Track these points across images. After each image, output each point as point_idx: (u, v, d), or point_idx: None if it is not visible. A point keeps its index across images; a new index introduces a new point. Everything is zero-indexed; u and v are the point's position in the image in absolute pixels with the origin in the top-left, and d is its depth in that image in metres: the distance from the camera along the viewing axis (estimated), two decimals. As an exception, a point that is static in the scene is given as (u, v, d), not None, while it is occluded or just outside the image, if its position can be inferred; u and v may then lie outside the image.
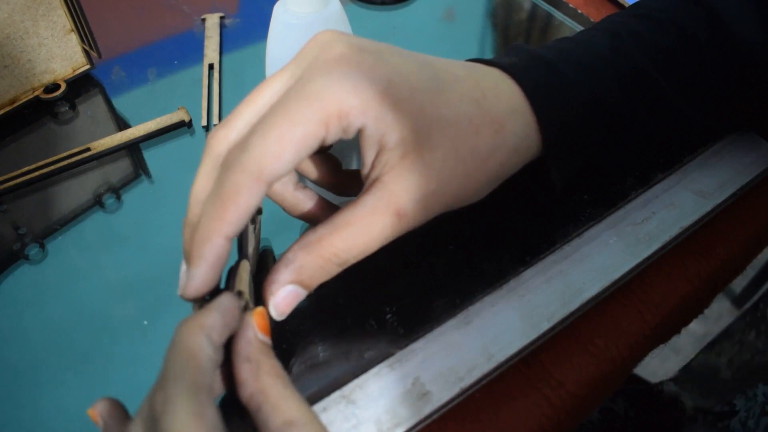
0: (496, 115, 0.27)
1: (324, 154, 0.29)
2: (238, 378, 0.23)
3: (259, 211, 0.31)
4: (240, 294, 0.25)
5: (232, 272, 0.26)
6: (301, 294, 0.26)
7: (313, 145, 0.24)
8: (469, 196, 0.27)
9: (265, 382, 0.22)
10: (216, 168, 0.25)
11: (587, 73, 0.30)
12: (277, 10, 0.32)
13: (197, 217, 0.25)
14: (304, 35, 0.31)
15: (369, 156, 0.25)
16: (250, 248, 0.28)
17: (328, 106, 0.23)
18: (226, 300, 0.23)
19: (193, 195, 0.26)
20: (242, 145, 0.24)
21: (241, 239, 0.28)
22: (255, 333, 0.24)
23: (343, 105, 0.23)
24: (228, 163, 0.24)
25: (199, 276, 0.24)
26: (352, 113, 0.24)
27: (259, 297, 0.26)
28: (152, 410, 0.20)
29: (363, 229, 0.25)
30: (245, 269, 0.27)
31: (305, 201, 0.29)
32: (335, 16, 0.32)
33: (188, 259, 0.24)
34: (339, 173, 0.30)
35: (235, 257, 0.27)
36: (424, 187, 0.25)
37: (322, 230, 0.25)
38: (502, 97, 0.27)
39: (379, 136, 0.24)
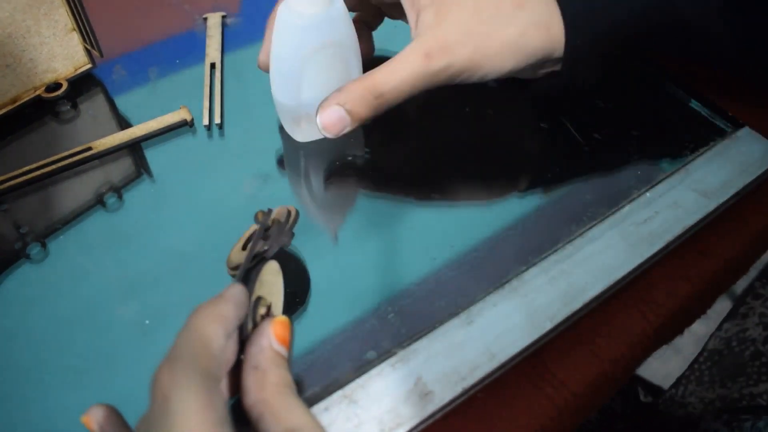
0: None
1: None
2: (243, 384, 0.22)
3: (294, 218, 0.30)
4: (259, 300, 0.25)
5: (253, 279, 0.25)
6: (345, 118, 0.31)
7: None
8: (490, 57, 0.31)
9: (269, 392, 0.22)
10: None
11: None
12: (281, 10, 0.31)
13: None
14: (309, 36, 0.31)
15: (411, 18, 0.33)
16: (275, 248, 0.28)
17: None
18: (240, 293, 0.23)
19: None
20: None
21: (267, 236, 0.27)
22: (270, 342, 0.23)
23: None
24: None
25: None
26: None
27: (287, 304, 0.26)
28: (158, 389, 0.19)
29: (397, 65, 0.31)
30: (270, 271, 0.26)
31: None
32: (339, 15, 0.31)
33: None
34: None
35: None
36: (449, 36, 0.31)
37: (369, 72, 0.31)
38: None
39: None
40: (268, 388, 0.22)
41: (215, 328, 0.21)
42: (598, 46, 0.33)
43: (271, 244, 0.27)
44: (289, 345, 0.24)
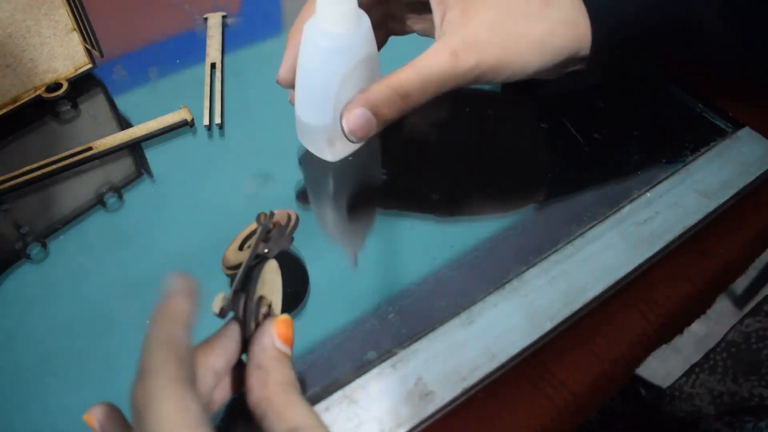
0: None
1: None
2: (246, 384, 0.23)
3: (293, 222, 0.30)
4: (261, 300, 0.25)
5: (255, 278, 0.25)
6: (371, 120, 0.29)
7: None
8: (518, 56, 0.31)
9: (272, 390, 0.22)
10: None
11: None
12: (309, 30, 0.30)
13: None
14: (341, 57, 0.30)
15: (437, 16, 0.31)
16: (275, 251, 0.27)
17: None
18: (182, 281, 0.23)
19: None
20: None
21: (268, 238, 0.27)
22: (272, 341, 0.23)
23: None
24: None
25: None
26: None
27: (288, 303, 0.26)
28: (135, 405, 0.20)
29: (424, 64, 0.30)
30: (271, 270, 0.26)
31: None
32: (367, 31, 0.30)
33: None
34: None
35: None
36: (476, 35, 0.30)
37: (393, 72, 0.30)
38: None
39: None
40: (272, 386, 0.22)
41: (174, 329, 0.21)
42: (618, 44, 0.33)
43: (272, 246, 0.27)
44: (292, 344, 0.24)
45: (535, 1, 0.31)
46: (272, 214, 0.28)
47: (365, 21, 0.30)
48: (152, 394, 0.19)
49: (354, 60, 0.30)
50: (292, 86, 0.33)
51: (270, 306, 0.25)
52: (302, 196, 0.35)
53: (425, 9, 0.35)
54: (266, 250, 0.27)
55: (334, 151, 0.34)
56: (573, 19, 0.31)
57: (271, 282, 0.26)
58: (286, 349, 0.24)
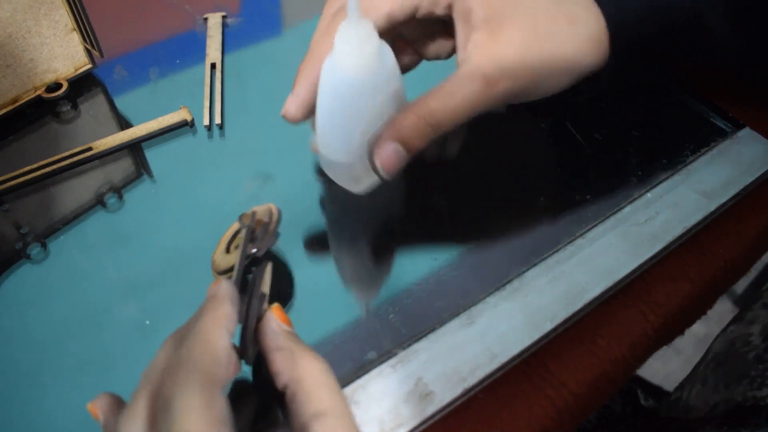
0: (569, 10, 0.30)
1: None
2: (273, 369, 0.23)
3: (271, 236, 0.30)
4: (263, 296, 0.25)
5: (258, 276, 0.26)
6: (402, 153, 0.28)
7: (407, 12, 0.30)
8: (549, 77, 0.30)
9: (301, 369, 0.22)
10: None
11: None
12: (328, 70, 0.28)
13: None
14: (365, 98, 0.28)
15: (461, 36, 0.30)
16: (264, 249, 0.28)
17: None
18: (232, 288, 0.24)
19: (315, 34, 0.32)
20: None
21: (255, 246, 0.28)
22: (278, 324, 0.24)
23: None
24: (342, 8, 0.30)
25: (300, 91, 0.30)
26: None
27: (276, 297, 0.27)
28: (162, 391, 0.20)
29: (455, 92, 0.28)
30: (269, 272, 0.27)
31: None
32: (391, 72, 0.28)
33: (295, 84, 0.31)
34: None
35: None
36: (508, 59, 0.29)
37: (420, 97, 0.28)
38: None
39: (466, 11, 0.29)
40: (299, 364, 0.23)
41: (221, 333, 0.22)
42: (632, 52, 0.32)
43: (259, 245, 0.28)
44: (292, 326, 0.25)
45: (561, 17, 0.30)
46: (254, 213, 0.29)
47: (388, 56, 0.28)
48: (182, 385, 0.20)
49: (379, 98, 0.28)
50: (299, 122, 0.32)
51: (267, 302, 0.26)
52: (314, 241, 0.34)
53: (438, 31, 0.34)
54: (255, 250, 0.27)
55: (361, 184, 0.33)
56: (597, 35, 0.30)
57: (266, 281, 0.27)
58: (292, 330, 0.25)
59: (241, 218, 0.29)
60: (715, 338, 0.51)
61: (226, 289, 0.24)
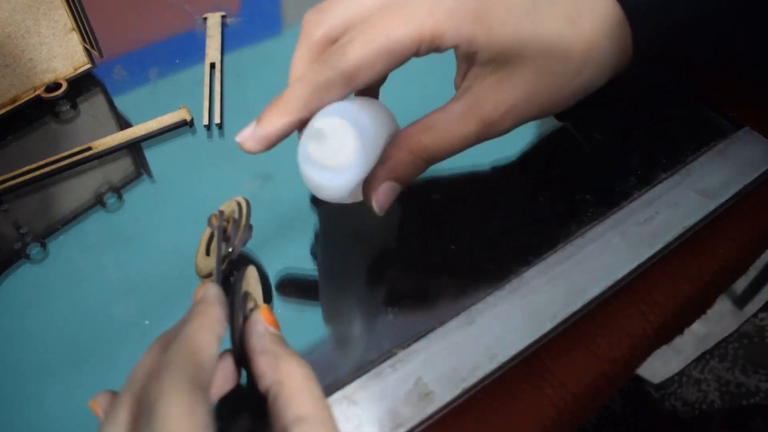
0: (588, 35, 0.27)
1: None
2: (256, 372, 0.23)
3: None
4: (247, 295, 0.25)
5: (239, 277, 0.26)
6: (397, 188, 0.28)
7: (405, 58, 0.26)
8: (555, 107, 0.29)
9: (284, 372, 0.22)
10: (310, 51, 0.28)
11: None
12: (303, 158, 0.27)
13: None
14: (345, 186, 0.27)
15: (461, 67, 0.28)
16: (240, 247, 0.28)
17: (423, 28, 0.25)
18: (219, 292, 0.24)
19: (291, 75, 0.29)
20: (341, 49, 0.25)
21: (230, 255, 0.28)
22: (265, 326, 0.24)
23: (437, 29, 0.25)
24: (325, 61, 0.26)
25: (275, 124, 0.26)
26: (446, 36, 0.26)
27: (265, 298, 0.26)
28: (145, 395, 0.20)
29: (450, 131, 0.27)
30: (252, 274, 0.27)
31: None
32: (373, 134, 0.27)
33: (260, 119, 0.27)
34: None
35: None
36: (511, 100, 0.27)
37: (411, 128, 0.28)
38: (597, 16, 0.28)
39: (471, 54, 0.27)
40: (283, 368, 0.22)
41: (209, 338, 0.22)
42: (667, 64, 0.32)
43: (234, 244, 0.28)
44: (279, 329, 0.25)
45: (577, 49, 0.27)
46: (222, 213, 0.29)
47: (368, 117, 0.26)
48: (166, 390, 0.19)
49: (364, 170, 0.27)
50: (260, 151, 0.28)
51: (255, 301, 0.26)
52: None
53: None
54: (230, 249, 0.27)
55: (355, 198, 0.31)
56: (616, 57, 0.28)
57: (253, 280, 0.27)
58: (279, 333, 0.24)
59: (209, 221, 0.29)
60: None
61: (213, 292, 0.23)
